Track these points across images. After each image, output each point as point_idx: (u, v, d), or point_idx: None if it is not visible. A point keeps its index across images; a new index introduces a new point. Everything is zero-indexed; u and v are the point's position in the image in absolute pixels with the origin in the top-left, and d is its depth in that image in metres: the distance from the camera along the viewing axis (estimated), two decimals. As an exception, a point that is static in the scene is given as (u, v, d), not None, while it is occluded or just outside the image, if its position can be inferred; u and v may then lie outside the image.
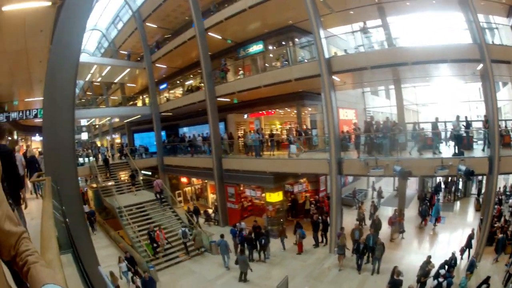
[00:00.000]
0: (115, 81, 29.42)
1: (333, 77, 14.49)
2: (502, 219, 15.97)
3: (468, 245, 13.07)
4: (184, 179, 26.42)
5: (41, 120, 12.36)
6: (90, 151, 25.43)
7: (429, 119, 17.57)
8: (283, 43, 19.85)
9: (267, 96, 19.33)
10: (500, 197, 18.77)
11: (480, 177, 19.07)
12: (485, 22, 16.46)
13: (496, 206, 16.25)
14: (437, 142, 14.30)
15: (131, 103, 29.50)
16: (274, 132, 22.17)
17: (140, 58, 25.58)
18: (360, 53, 15.69)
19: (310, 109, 21.29)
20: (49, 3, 8.20)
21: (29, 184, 8.98)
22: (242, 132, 23.25)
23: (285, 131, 22.35)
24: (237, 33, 19.68)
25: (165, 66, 25.51)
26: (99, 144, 32.58)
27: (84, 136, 36.21)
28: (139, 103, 29.37)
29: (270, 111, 22.45)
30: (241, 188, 20.09)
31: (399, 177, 13.61)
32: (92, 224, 18.18)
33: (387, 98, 23.09)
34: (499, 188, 18.16)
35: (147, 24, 24.00)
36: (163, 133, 26.16)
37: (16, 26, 8.85)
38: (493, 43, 14.94)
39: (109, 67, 24.85)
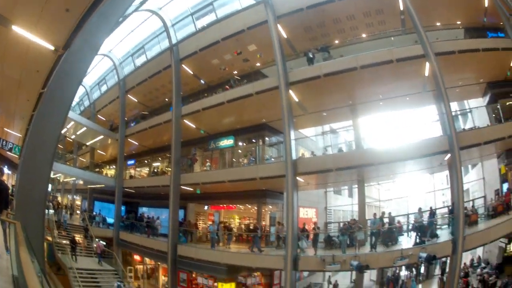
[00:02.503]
0: (87, 143, 29.07)
1: (297, 178, 14.92)
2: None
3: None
4: (137, 257, 25.07)
5: (14, 155, 11.95)
6: (50, 203, 24.47)
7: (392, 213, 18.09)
8: (253, 140, 20.57)
9: (230, 190, 19.54)
10: (466, 270, 19.24)
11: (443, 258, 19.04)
12: (458, 110, 17.71)
13: (461, 280, 16.75)
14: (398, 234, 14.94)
15: (97, 170, 28.86)
16: (233, 226, 21.97)
17: (115, 128, 25.66)
18: (327, 155, 16.43)
19: (271, 206, 21.45)
20: (52, 48, 8.32)
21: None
22: (201, 222, 23.11)
23: (243, 226, 22.13)
24: (211, 124, 20.45)
25: (136, 143, 25.63)
26: (59, 199, 31.49)
27: (48, 188, 34.51)
28: (105, 172, 28.76)
29: (231, 205, 22.53)
30: (193, 275, 19.45)
31: (356, 271, 13.76)
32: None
33: (350, 196, 23.69)
34: (464, 263, 18.43)
35: (129, 95, 24.62)
36: (123, 208, 25.33)
37: (19, 52, 8.82)
38: (463, 130, 16.15)
39: (84, 128, 24.73)
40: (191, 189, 19.95)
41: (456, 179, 13.96)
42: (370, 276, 21.34)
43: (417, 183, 21.78)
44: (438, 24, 17.59)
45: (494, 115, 17.68)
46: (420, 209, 14.94)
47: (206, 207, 23.22)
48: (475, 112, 19.11)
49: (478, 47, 15.28)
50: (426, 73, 15.10)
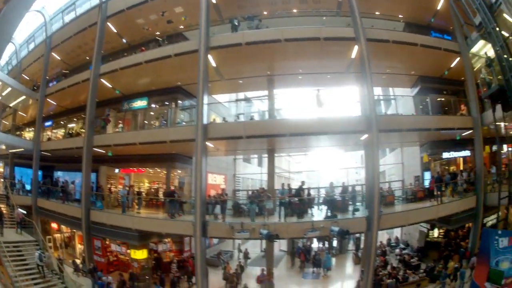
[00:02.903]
0: (11, 105, 26.91)
1: (207, 143, 14.63)
2: (389, 267, 17.47)
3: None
4: (54, 225, 23.75)
5: None
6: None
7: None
8: (167, 103, 19.97)
9: (141, 153, 18.93)
10: (383, 249, 20.54)
11: (358, 235, 20.35)
12: (381, 95, 18.19)
13: (379, 257, 18.14)
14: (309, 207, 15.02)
15: (17, 133, 26.83)
16: (142, 190, 21.40)
17: (38, 88, 23.89)
18: (238, 122, 16.35)
19: (180, 171, 21.14)
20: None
21: None
22: (111, 185, 22.26)
23: (152, 190, 21.65)
24: (126, 85, 19.48)
25: (55, 103, 24.01)
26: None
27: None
28: (25, 135, 26.84)
29: (141, 169, 21.92)
30: (107, 242, 19.15)
31: (266, 240, 13.84)
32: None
33: (259, 165, 23.79)
34: (380, 242, 19.68)
35: (53, 54, 23.10)
36: (40, 172, 23.78)
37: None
38: (385, 114, 16.56)
39: (9, 88, 22.88)
40: (104, 152, 19.05)
41: (372, 159, 14.42)
42: (279, 246, 21.78)
43: (330, 159, 22.32)
44: (377, 13, 18.07)
45: (421, 107, 18.52)
46: (331, 183, 15.20)
47: (116, 170, 22.35)
48: (400, 100, 19.76)
49: (417, 41, 15.90)
50: (353, 56, 15.36)
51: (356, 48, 14.77)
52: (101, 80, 18.53)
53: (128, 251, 18.01)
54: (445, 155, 19.75)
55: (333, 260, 19.54)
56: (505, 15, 13.54)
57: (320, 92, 15.68)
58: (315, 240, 22.08)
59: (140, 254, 17.16)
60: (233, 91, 19.77)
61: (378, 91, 20.33)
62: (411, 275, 16.33)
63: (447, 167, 20.47)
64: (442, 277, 14.89)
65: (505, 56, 13.09)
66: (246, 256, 20.42)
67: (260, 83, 17.63)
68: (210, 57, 15.03)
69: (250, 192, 15.86)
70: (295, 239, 19.60)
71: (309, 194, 15.55)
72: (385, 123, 14.71)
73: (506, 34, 13.61)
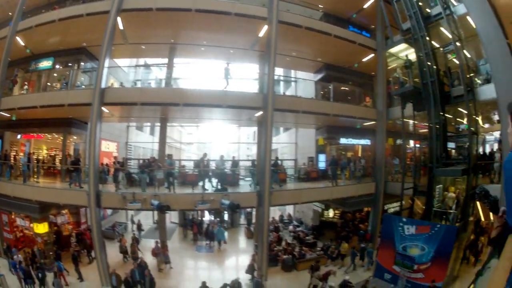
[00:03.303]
0: None
1: (103, 108, 14.21)
2: (284, 243, 17.91)
3: (251, 268, 14.36)
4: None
5: None
6: None
7: (193, 157, 18.58)
8: (70, 64, 19.09)
9: (41, 117, 17.77)
10: (276, 225, 21.00)
11: (249, 209, 20.70)
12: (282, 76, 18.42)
13: (272, 233, 18.51)
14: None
15: None
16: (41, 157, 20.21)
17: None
18: (135, 88, 16.09)
19: (75, 137, 20.29)
20: None
21: None
22: (16, 154, 20.41)
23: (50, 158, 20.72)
24: (37, 44, 18.14)
25: None
26: None
27: None
28: None
29: (40, 134, 20.65)
30: (13, 217, 17.59)
31: (158, 210, 13.73)
32: None
33: (152, 134, 23.50)
34: (272, 218, 19.92)
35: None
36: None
37: None
38: (284, 94, 16.75)
39: None
40: (9, 116, 17.56)
41: (265, 136, 14.77)
42: (170, 218, 21.65)
43: (221, 133, 22.56)
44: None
45: (322, 93, 19.22)
46: (222, 156, 15.41)
47: (19, 136, 20.77)
48: (302, 83, 20.39)
49: (331, 32, 16.46)
50: (261, 35, 15.58)
51: (266, 27, 14.99)
52: (16, 38, 17.24)
53: (31, 225, 16.80)
54: (343, 140, 20.84)
55: (226, 233, 19.69)
56: (442, 29, 14.72)
57: (229, 66, 15.73)
58: (207, 213, 22.35)
59: (42, 228, 16.16)
60: (134, 56, 19.20)
61: (279, 71, 20.89)
62: (308, 252, 17.03)
63: (343, 152, 21.73)
64: (352, 257, 15.86)
65: (429, 63, 14.24)
66: (139, 228, 20.01)
67: (162, 50, 17.35)
68: (119, 19, 14.58)
69: (141, 161, 15.58)
70: (186, 211, 19.65)
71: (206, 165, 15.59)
72: (282, 103, 15.12)
73: (437, 45, 14.97)
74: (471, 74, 14.21)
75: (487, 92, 13.01)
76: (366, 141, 20.95)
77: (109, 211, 21.13)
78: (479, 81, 14.15)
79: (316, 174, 18.43)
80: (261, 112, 15.00)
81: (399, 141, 19.81)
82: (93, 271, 13.85)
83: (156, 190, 14.15)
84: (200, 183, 14.93)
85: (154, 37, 16.65)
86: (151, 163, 14.94)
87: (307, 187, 16.62)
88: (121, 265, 15.18)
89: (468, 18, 13.45)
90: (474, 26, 13.12)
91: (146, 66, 17.64)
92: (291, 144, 23.50)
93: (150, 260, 15.29)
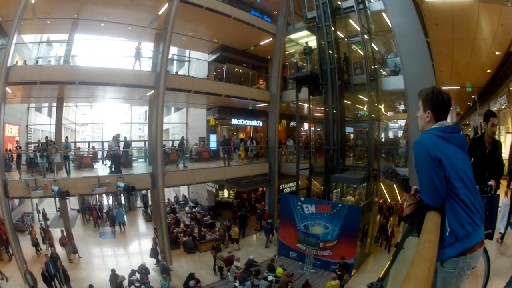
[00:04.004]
0: None
1: (7, 88, 12.65)
2: (182, 224, 17.93)
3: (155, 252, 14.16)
4: None
5: None
6: None
7: (87, 139, 17.86)
8: None
9: None
10: (172, 207, 20.88)
11: (144, 191, 20.44)
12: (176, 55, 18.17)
13: (170, 215, 18.61)
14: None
15: None
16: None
17: None
18: (35, 66, 14.56)
19: None
20: None
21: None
22: None
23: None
24: None
25: None
26: None
27: None
28: None
29: None
30: None
31: (58, 197, 12.86)
32: None
33: (49, 115, 22.36)
34: (168, 199, 19.75)
35: None
36: None
37: None
38: (176, 74, 16.60)
39: None
40: None
41: (156, 116, 14.47)
42: (70, 204, 20.79)
43: (114, 113, 22.08)
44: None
45: (215, 73, 19.53)
46: (114, 136, 14.82)
47: None
48: (195, 63, 20.51)
49: (231, 14, 16.49)
50: (160, 13, 15.14)
51: (166, 5, 14.55)
52: None
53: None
54: (234, 121, 21.39)
55: (125, 216, 19.23)
56: (350, 21, 15.19)
57: (141, 45, 15.31)
58: (106, 196, 21.84)
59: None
60: (40, 32, 17.33)
61: (174, 50, 20.78)
62: (207, 233, 17.27)
63: (235, 133, 22.48)
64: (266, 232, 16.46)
65: (330, 51, 14.75)
66: (45, 217, 18.73)
67: (65, 25, 15.91)
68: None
69: (40, 145, 14.41)
70: (85, 195, 18.82)
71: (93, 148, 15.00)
72: (174, 82, 15.02)
73: (342, 35, 15.49)
74: (377, 66, 15.29)
75: (394, 83, 14.13)
76: (258, 123, 21.78)
77: (16, 201, 19.12)
78: (384, 73, 15.28)
79: (207, 154, 18.69)
80: (153, 91, 14.70)
81: (293, 124, 20.98)
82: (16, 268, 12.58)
83: (55, 175, 13.28)
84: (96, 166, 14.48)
85: (60, 11, 15.07)
86: (48, 147, 13.90)
87: (200, 167, 16.73)
88: (35, 259, 14.02)
89: (384, 14, 14.12)
90: (388, 22, 13.80)
91: (48, 42, 15.84)
92: (182, 124, 23.40)
93: (60, 250, 14.30)
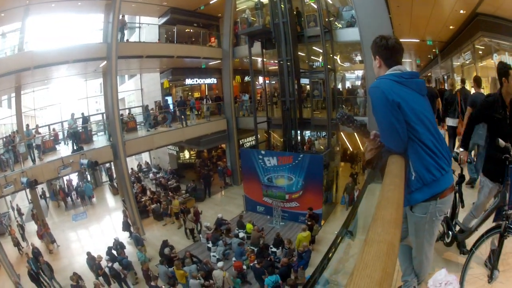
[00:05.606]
0: None
1: None
2: (148, 192, 18.05)
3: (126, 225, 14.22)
4: None
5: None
6: None
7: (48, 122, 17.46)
8: None
9: None
10: (137, 175, 20.93)
11: (108, 164, 20.30)
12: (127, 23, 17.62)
13: (135, 184, 18.60)
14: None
15: None
16: None
17: None
18: None
19: None
20: None
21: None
22: None
23: None
24: None
25: None
26: None
27: None
28: None
29: None
30: None
31: (28, 188, 12.51)
32: None
33: (9, 107, 21.56)
34: (131, 168, 19.91)
35: None
36: None
37: None
38: (127, 41, 16.36)
39: None
40: None
41: (111, 87, 14.15)
42: (46, 194, 20.43)
43: (70, 90, 21.45)
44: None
45: (166, 36, 19.02)
46: (73, 114, 14.51)
47: None
48: (145, 28, 19.81)
49: None
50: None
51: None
52: None
53: None
54: (188, 81, 21.33)
55: (93, 192, 19.20)
56: None
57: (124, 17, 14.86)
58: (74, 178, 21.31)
59: None
60: None
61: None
62: (173, 197, 17.18)
63: (190, 93, 22.40)
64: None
65: (282, 6, 14.41)
66: (20, 212, 17.95)
67: (18, 14, 14.56)
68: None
69: (4, 139, 13.87)
70: (53, 180, 18.43)
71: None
72: (125, 50, 14.59)
73: None
74: (331, 19, 15.36)
75: (350, 34, 14.33)
76: (213, 80, 21.74)
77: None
78: (339, 25, 15.36)
79: (163, 117, 18.30)
80: (105, 62, 14.22)
81: (247, 78, 21.04)
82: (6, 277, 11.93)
83: (22, 166, 12.79)
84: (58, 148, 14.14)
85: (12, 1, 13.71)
86: (12, 139, 13.41)
87: (158, 132, 16.66)
88: (20, 260, 13.43)
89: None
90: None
91: (3, 35, 14.45)
92: (137, 91, 22.93)
93: (39, 244, 13.92)
